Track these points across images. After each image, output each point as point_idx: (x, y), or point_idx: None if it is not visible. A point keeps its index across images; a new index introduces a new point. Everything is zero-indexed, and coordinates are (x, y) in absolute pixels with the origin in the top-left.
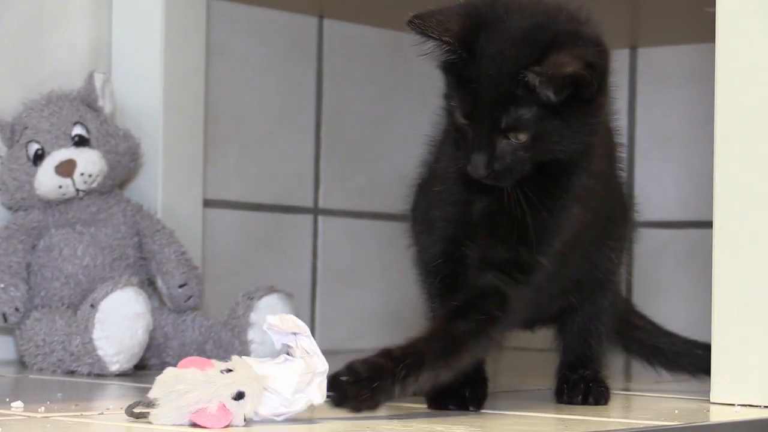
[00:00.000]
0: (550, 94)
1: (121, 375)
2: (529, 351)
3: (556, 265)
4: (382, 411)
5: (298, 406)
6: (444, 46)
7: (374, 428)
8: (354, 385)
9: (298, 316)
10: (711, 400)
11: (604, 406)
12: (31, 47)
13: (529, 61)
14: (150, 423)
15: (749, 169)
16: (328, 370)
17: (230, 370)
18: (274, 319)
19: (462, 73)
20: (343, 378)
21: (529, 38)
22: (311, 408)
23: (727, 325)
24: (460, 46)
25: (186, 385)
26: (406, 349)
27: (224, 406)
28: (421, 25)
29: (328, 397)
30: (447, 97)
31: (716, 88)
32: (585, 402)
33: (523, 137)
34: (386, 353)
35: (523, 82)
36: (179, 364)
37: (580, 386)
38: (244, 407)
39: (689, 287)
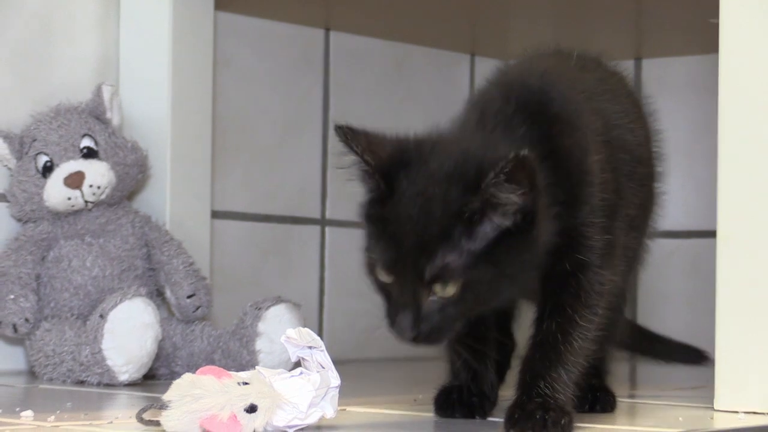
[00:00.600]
0: (500, 218)
1: (131, 384)
2: None
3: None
4: (381, 420)
5: (313, 418)
6: (364, 166)
7: None
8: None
9: (305, 325)
10: (715, 408)
11: (611, 414)
12: (40, 60)
13: (467, 189)
14: (161, 430)
15: (753, 179)
16: (340, 384)
17: (247, 383)
18: (292, 332)
19: (382, 215)
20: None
21: (460, 172)
22: (322, 420)
23: (730, 334)
24: (381, 176)
25: (201, 391)
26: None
27: (235, 416)
28: (348, 135)
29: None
30: (367, 249)
31: (720, 98)
32: (592, 410)
33: (451, 290)
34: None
35: (454, 221)
36: (198, 371)
37: (588, 395)
38: (255, 420)
39: (693, 296)
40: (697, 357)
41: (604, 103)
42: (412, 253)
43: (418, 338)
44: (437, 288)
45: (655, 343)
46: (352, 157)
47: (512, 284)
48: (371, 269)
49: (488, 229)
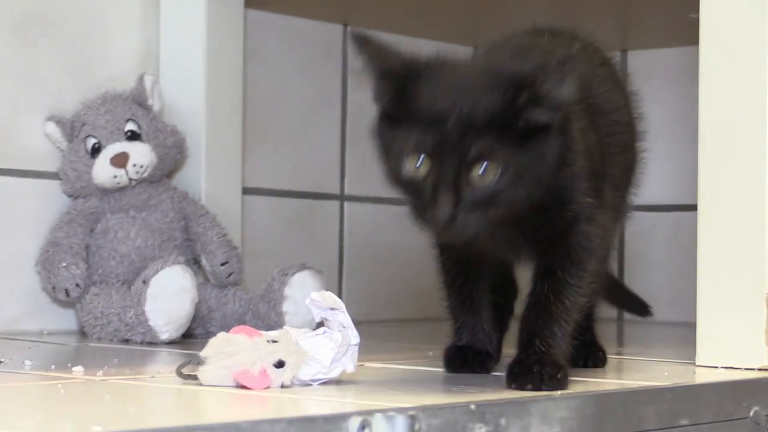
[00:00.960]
0: (544, 113)
1: (170, 343)
2: None
3: None
4: (396, 375)
5: (335, 373)
6: (375, 69)
7: (397, 387)
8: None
9: (327, 290)
10: (696, 363)
11: (602, 369)
12: (89, 54)
13: (517, 82)
14: (198, 384)
15: (729, 158)
16: (360, 342)
17: (275, 341)
18: (316, 295)
19: (408, 111)
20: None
21: (504, 69)
22: (343, 374)
23: (709, 297)
24: (409, 68)
25: (234, 348)
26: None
27: (265, 371)
28: (362, 41)
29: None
30: (390, 152)
31: (700, 86)
32: (585, 365)
33: (489, 176)
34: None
35: (502, 110)
36: (231, 330)
37: (580, 351)
38: (283, 375)
39: (675, 263)
40: (643, 309)
41: (581, 71)
42: (456, 134)
43: (453, 224)
44: (476, 172)
45: (615, 289)
46: (364, 60)
47: (535, 186)
48: (396, 173)
49: (532, 122)
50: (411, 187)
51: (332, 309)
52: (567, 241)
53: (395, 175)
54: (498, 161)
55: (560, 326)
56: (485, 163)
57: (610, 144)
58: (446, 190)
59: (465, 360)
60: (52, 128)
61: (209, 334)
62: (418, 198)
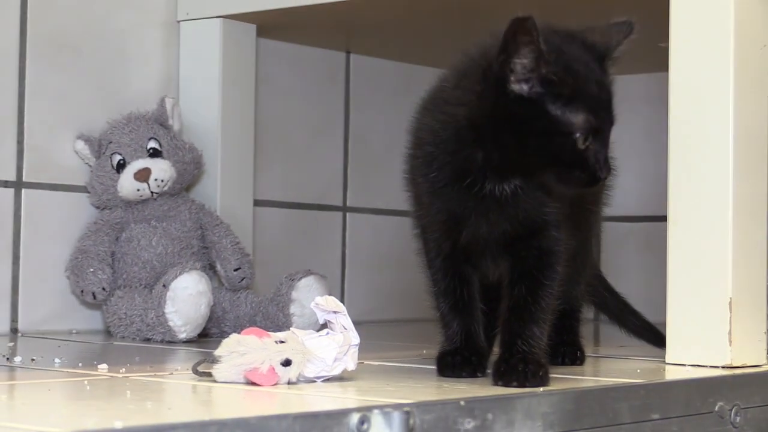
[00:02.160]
0: None
1: (188, 342)
2: None
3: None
4: (393, 372)
5: (337, 370)
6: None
7: (394, 384)
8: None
9: (330, 294)
10: (666, 361)
11: (580, 366)
12: (115, 77)
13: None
14: (212, 381)
15: (696, 174)
16: (359, 342)
17: (283, 342)
18: (320, 300)
19: (566, 96)
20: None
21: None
22: (345, 372)
23: (679, 300)
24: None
25: (245, 348)
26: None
27: (273, 369)
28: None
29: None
30: (559, 129)
31: (670, 107)
32: (563, 363)
33: None
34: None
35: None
36: (242, 332)
37: (560, 349)
38: (290, 372)
39: (647, 270)
40: (658, 340)
41: None
42: (611, 118)
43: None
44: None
45: (627, 315)
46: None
47: None
48: (562, 145)
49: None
50: (581, 158)
51: (335, 312)
52: (539, 245)
53: (562, 147)
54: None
55: (539, 326)
56: None
57: None
58: (606, 153)
59: (458, 364)
60: (81, 146)
61: (223, 334)
62: (590, 161)
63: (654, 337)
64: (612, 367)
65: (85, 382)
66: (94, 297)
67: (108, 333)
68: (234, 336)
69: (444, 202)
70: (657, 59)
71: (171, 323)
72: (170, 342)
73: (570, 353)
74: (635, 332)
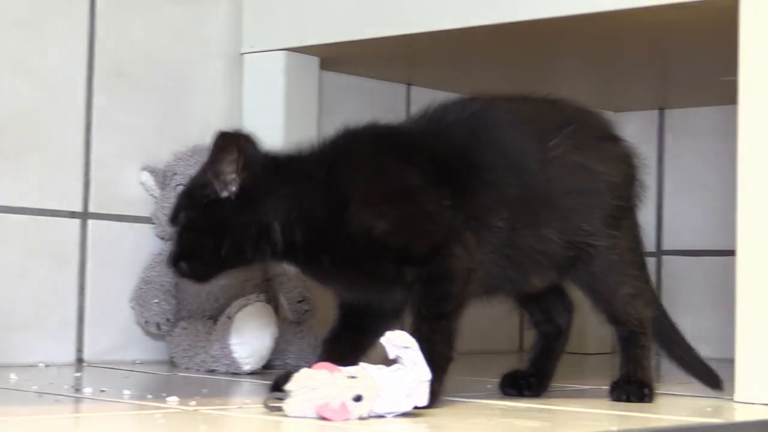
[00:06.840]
0: None
1: (252, 373)
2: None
3: None
4: (459, 408)
5: (407, 406)
6: None
7: (465, 419)
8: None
9: (401, 329)
10: (735, 399)
11: (648, 404)
12: (179, 108)
13: None
14: (283, 415)
15: (765, 206)
16: (430, 378)
17: (354, 377)
18: (391, 335)
19: None
20: None
21: None
22: (415, 408)
23: (748, 336)
24: None
25: (317, 383)
26: None
27: (344, 404)
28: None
29: None
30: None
31: (738, 141)
32: (629, 400)
33: None
34: None
35: None
36: (313, 366)
37: (623, 386)
38: (361, 408)
39: (710, 305)
40: (713, 380)
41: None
42: None
43: None
44: None
45: (681, 351)
46: None
47: None
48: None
49: None
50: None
51: (405, 347)
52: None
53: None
54: None
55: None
56: None
57: None
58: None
59: (521, 383)
60: (147, 177)
61: (286, 366)
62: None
63: (708, 376)
64: (681, 405)
65: (158, 415)
66: (158, 328)
67: (172, 363)
68: (305, 370)
69: None
70: (722, 92)
71: (236, 355)
72: (234, 373)
73: (634, 391)
74: (689, 369)
